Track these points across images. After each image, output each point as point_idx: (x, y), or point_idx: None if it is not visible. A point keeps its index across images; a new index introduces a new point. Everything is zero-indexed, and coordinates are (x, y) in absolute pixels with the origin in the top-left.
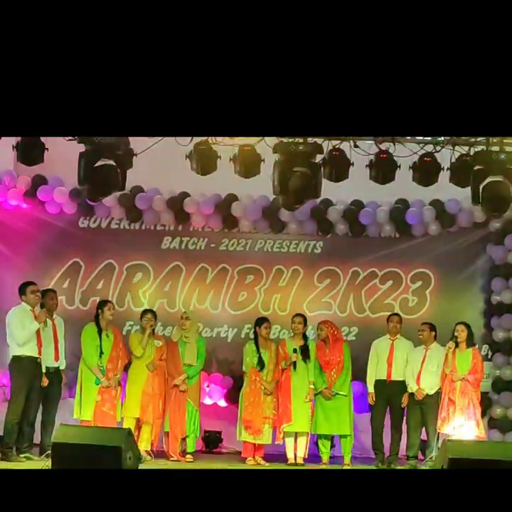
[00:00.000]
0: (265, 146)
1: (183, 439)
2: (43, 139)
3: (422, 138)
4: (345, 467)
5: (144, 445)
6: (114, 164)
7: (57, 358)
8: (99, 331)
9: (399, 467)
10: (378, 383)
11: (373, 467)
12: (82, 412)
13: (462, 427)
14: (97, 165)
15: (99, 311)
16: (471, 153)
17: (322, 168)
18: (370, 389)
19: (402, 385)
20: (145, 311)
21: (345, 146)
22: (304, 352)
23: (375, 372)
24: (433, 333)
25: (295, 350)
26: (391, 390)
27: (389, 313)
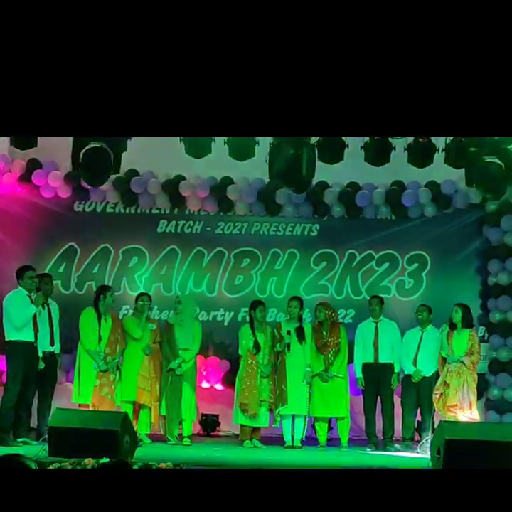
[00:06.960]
0: None
1: (180, 423)
2: None
3: None
4: (342, 449)
5: (143, 428)
6: (107, 147)
7: (52, 343)
8: (98, 316)
9: (394, 449)
10: (366, 367)
11: (369, 450)
12: (80, 396)
13: (455, 407)
14: (89, 148)
15: (101, 296)
16: None
17: (316, 150)
18: (358, 374)
19: (389, 368)
20: (141, 294)
21: None
22: (299, 334)
23: (361, 356)
24: (431, 315)
25: (289, 332)
26: (379, 373)
27: (373, 295)
